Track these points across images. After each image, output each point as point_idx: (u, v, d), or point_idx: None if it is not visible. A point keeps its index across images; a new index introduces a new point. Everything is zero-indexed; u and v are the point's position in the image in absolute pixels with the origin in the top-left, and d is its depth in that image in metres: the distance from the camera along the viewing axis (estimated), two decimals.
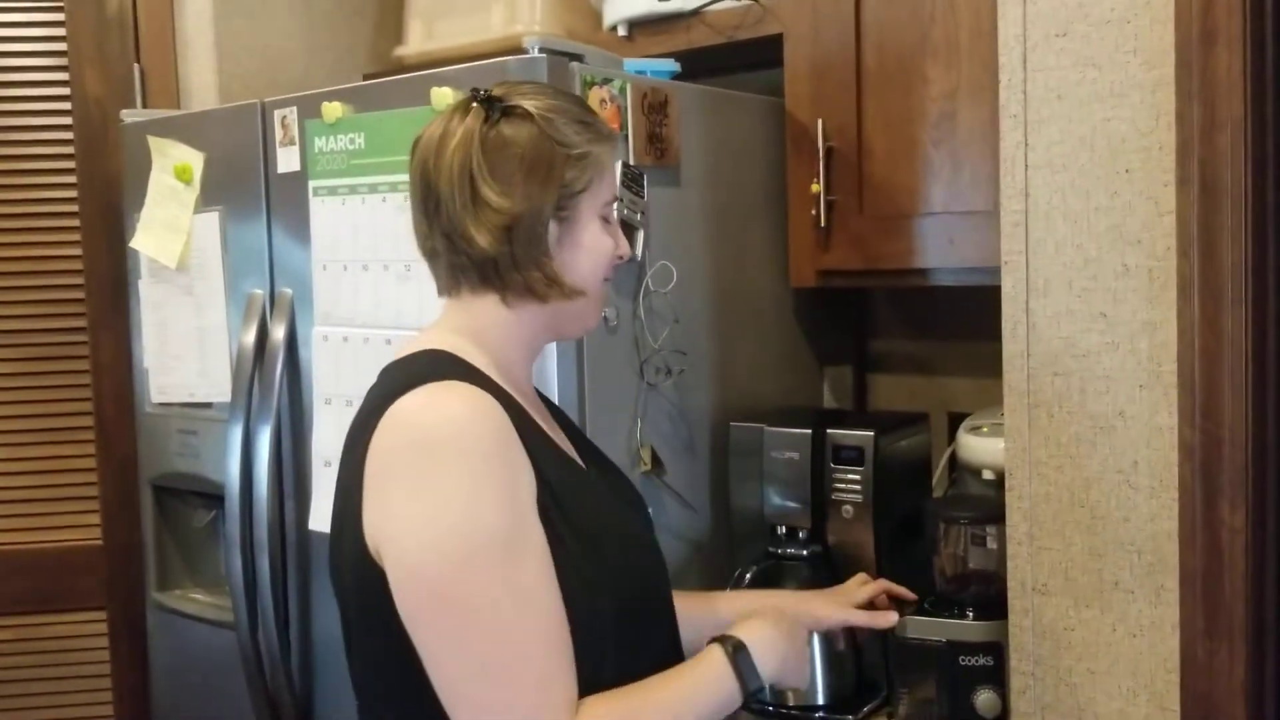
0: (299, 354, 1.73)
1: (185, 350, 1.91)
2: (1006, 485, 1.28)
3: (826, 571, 1.59)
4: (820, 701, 1.56)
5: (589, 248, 1.11)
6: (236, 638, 1.78)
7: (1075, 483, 1.23)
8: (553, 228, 1.08)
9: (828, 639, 1.57)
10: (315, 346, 1.68)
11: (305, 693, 1.78)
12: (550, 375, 1.48)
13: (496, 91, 1.10)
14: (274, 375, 1.73)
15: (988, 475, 1.61)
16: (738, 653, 1.08)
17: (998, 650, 1.38)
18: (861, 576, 1.46)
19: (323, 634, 1.75)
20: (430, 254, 1.12)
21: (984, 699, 1.38)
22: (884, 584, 1.47)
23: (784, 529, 1.62)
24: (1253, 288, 1.12)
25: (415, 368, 1.06)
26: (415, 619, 0.97)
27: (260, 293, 1.77)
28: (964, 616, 1.42)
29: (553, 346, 1.48)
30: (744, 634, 1.10)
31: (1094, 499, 1.22)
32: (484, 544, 0.94)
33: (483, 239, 1.05)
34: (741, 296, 1.77)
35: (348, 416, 1.62)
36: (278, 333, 1.73)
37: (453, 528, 0.94)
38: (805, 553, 1.59)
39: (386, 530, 0.98)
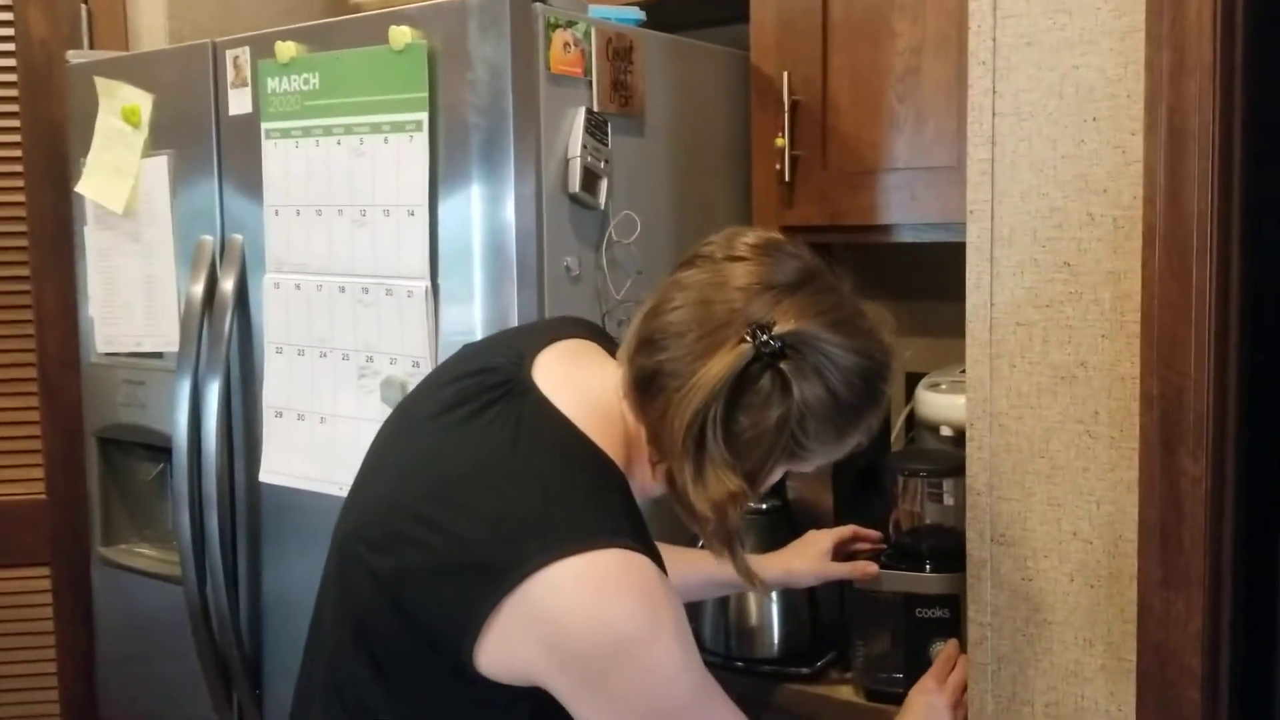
0: (250, 302, 1.69)
1: (132, 299, 1.86)
2: (967, 436, 1.27)
3: (786, 526, 1.58)
4: (775, 654, 1.55)
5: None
6: (184, 594, 1.75)
7: (1036, 433, 1.22)
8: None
9: (786, 593, 1.56)
10: (266, 294, 1.64)
11: (254, 649, 1.74)
12: (509, 324, 1.45)
13: (780, 323, 0.95)
14: (224, 324, 1.68)
15: (946, 432, 1.61)
16: None
17: (954, 602, 1.37)
18: (811, 535, 1.45)
19: (272, 590, 1.72)
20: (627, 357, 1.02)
21: (938, 649, 1.37)
22: (852, 529, 1.46)
23: None
24: (1217, 237, 1.12)
25: (568, 481, 0.96)
26: None
27: (210, 239, 1.73)
28: (921, 569, 1.41)
29: (512, 295, 1.45)
30: None
31: (1054, 449, 1.21)
32: (690, 700, 0.96)
33: (677, 433, 0.95)
34: None
35: (299, 366, 1.61)
36: (227, 280, 1.69)
37: (658, 703, 0.94)
38: (765, 507, 1.58)
39: (569, 700, 0.94)
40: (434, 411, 1.05)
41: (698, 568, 1.34)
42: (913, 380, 1.78)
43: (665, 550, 1.37)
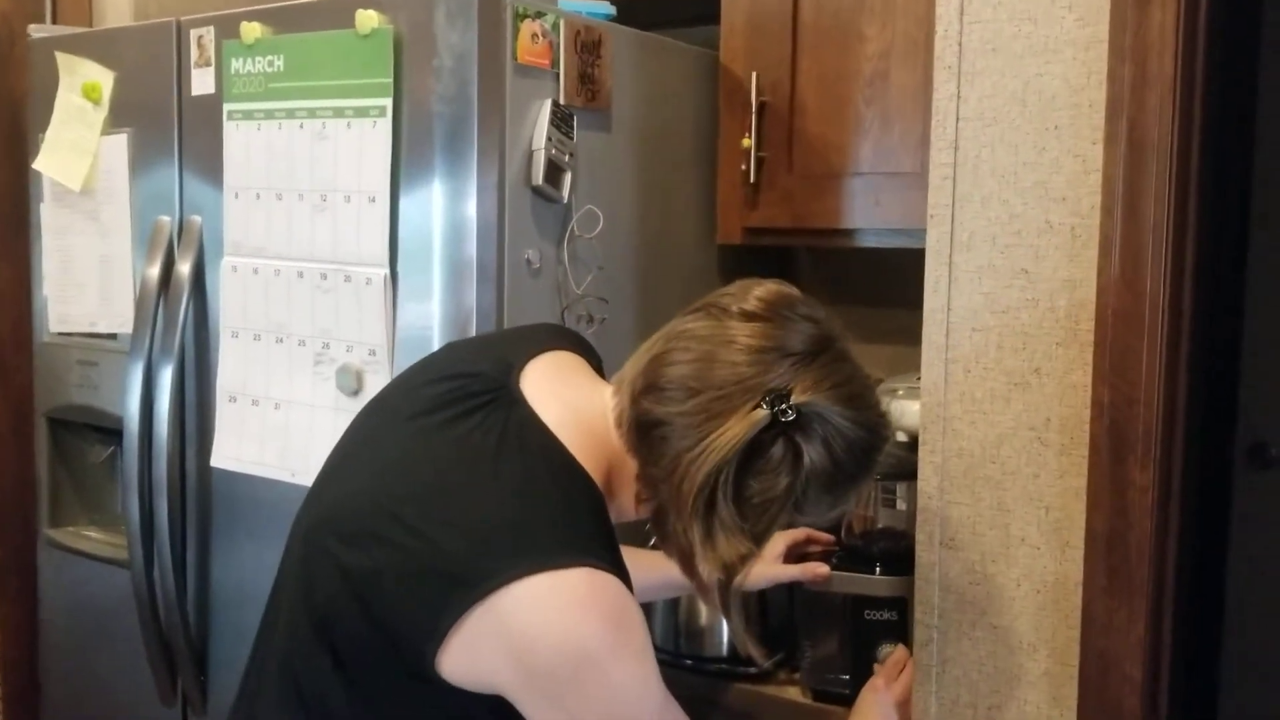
0: (206, 285, 1.66)
1: (88, 278, 1.83)
2: (920, 440, 1.28)
3: None
4: (724, 654, 1.55)
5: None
6: (131, 579, 1.72)
7: (988, 439, 1.23)
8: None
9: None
10: (224, 278, 1.62)
11: (200, 636, 1.72)
12: (469, 317, 1.44)
13: (797, 393, 0.95)
14: (179, 307, 1.66)
15: (901, 437, 1.61)
16: None
17: (902, 605, 1.38)
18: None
19: (220, 578, 1.70)
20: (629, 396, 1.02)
21: (886, 652, 1.38)
22: (805, 531, 1.47)
23: None
24: (1172, 248, 1.13)
25: (546, 497, 0.96)
26: None
27: (168, 220, 1.70)
28: (871, 572, 1.42)
29: (472, 285, 1.44)
30: None
31: (1005, 455, 1.22)
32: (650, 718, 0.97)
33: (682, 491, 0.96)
34: (667, 249, 1.75)
35: (255, 351, 1.59)
36: (184, 263, 1.67)
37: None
38: None
39: (532, 714, 0.94)
40: (416, 411, 1.04)
41: (653, 569, 1.34)
42: None
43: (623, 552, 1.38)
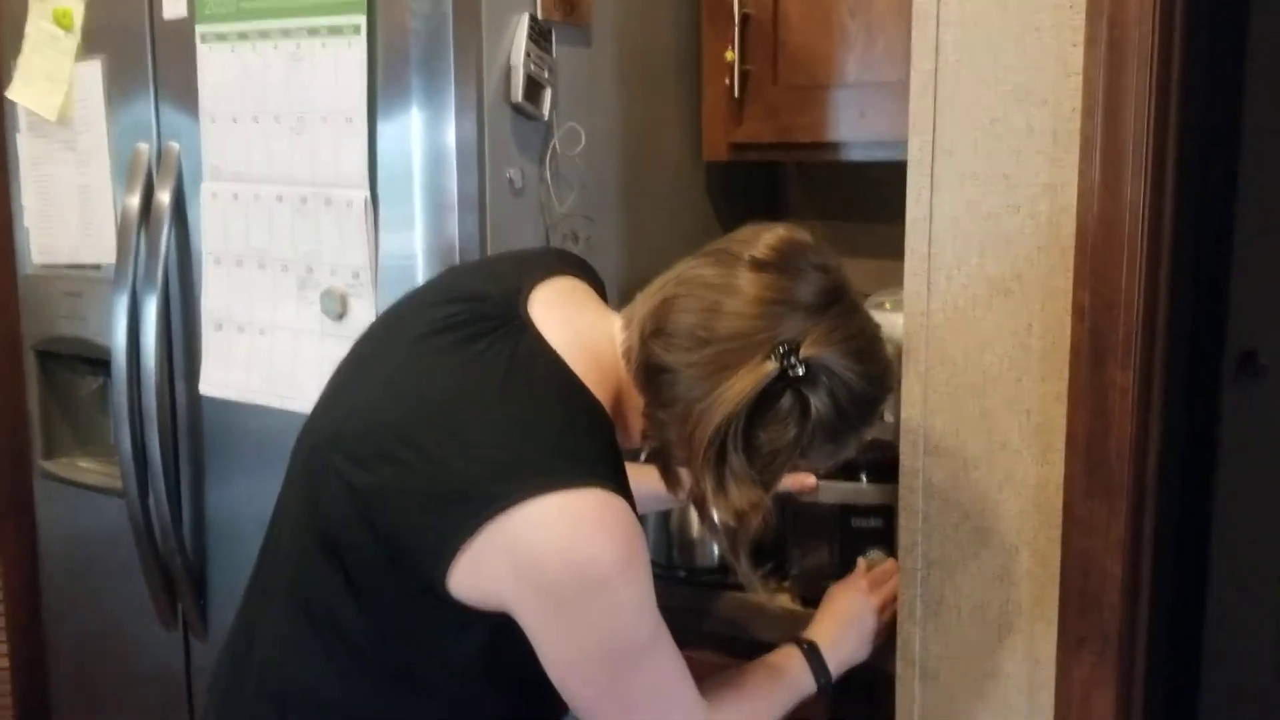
0: (187, 212, 1.66)
1: (68, 209, 1.82)
2: (904, 350, 1.28)
3: None
4: (715, 564, 1.57)
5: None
6: (126, 506, 1.74)
7: (971, 346, 1.24)
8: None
9: None
10: (204, 204, 1.61)
11: (198, 562, 1.75)
12: (452, 237, 1.44)
13: (806, 346, 0.96)
14: (160, 235, 1.65)
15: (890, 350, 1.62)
16: (812, 652, 1.23)
17: (888, 512, 1.40)
18: None
19: (215, 502, 1.71)
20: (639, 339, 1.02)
21: (875, 559, 1.40)
22: None
23: None
24: (1153, 151, 1.12)
25: (557, 420, 0.97)
26: (573, 689, 0.99)
27: (146, 147, 1.69)
28: (857, 480, 1.43)
29: (453, 207, 1.43)
30: (819, 637, 1.25)
31: (987, 362, 1.23)
32: (647, 639, 0.98)
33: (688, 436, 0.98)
34: (652, 167, 1.74)
35: (238, 277, 1.59)
36: (164, 190, 1.66)
37: (617, 644, 0.97)
38: None
39: (534, 632, 0.96)
40: (423, 331, 1.05)
41: (645, 482, 1.36)
42: None
43: None
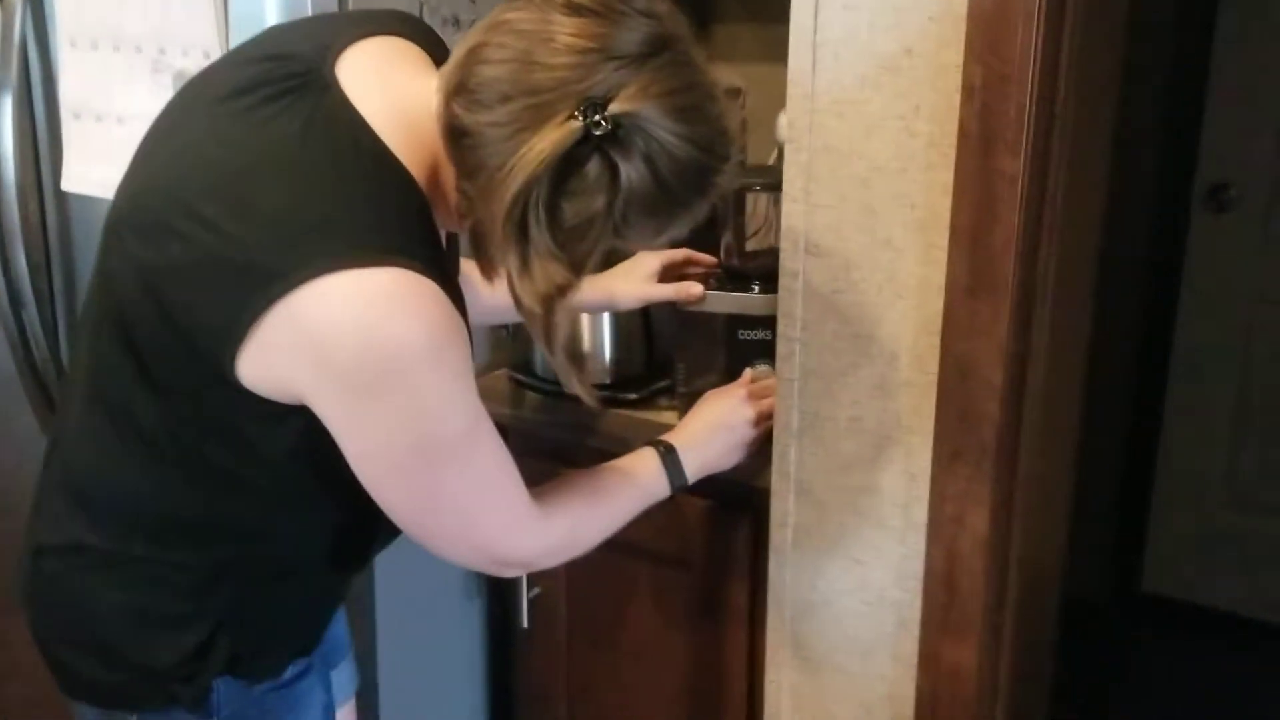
0: None
1: None
2: (786, 138, 1.17)
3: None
4: (607, 381, 1.49)
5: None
6: None
7: (856, 132, 1.12)
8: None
9: (619, 318, 1.49)
10: None
11: None
12: (304, 7, 1.30)
13: (618, 102, 0.83)
14: (15, 16, 1.52)
15: None
16: (668, 455, 1.15)
17: (776, 324, 1.30)
18: (640, 256, 1.37)
19: None
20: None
21: (760, 372, 1.31)
22: (685, 252, 1.38)
23: None
24: None
25: (356, 188, 0.86)
26: (384, 491, 0.91)
27: None
28: (748, 290, 1.33)
29: None
30: (679, 439, 1.17)
31: (873, 149, 1.11)
32: (457, 435, 0.90)
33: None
34: None
35: (93, 62, 1.46)
36: None
37: (425, 432, 0.87)
38: None
39: (332, 422, 0.87)
40: (222, 94, 0.92)
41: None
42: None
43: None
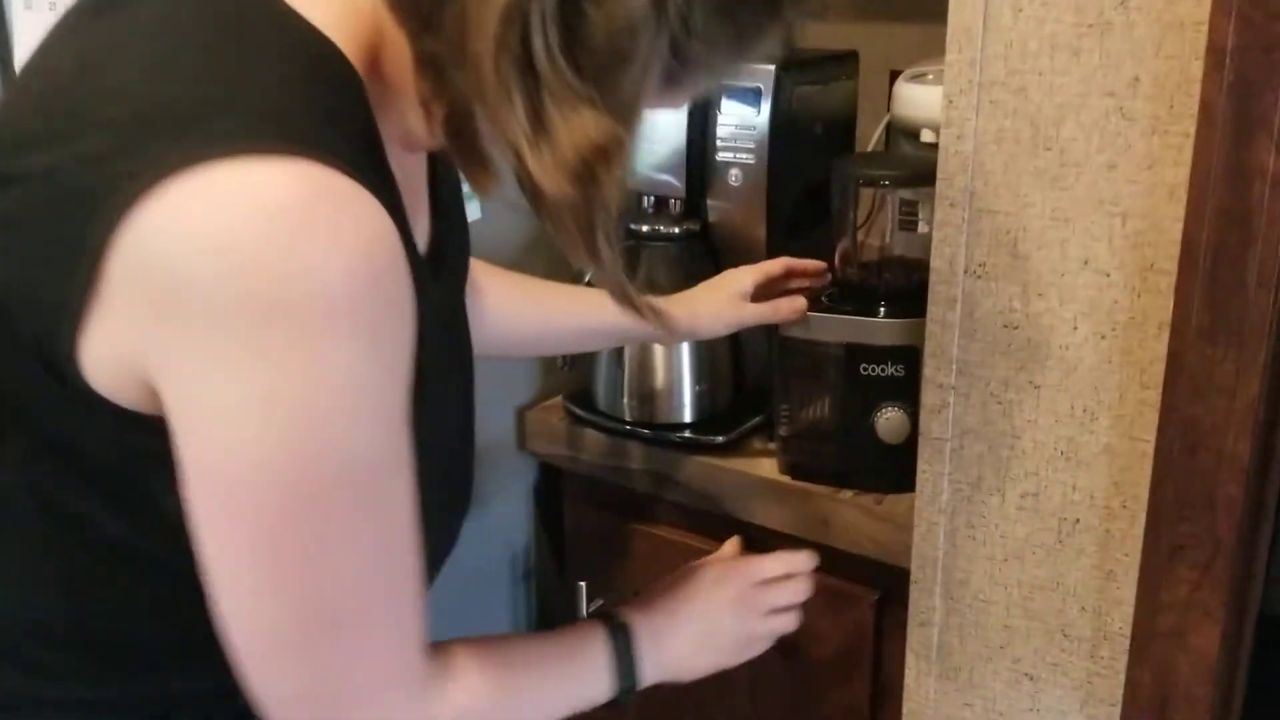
0: None
1: None
2: (943, 122, 0.88)
3: (705, 256, 1.21)
4: (686, 419, 1.21)
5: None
6: None
7: (1044, 112, 0.83)
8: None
9: (701, 344, 1.22)
10: None
11: None
12: None
13: None
14: None
15: (928, 137, 1.21)
16: (619, 639, 0.78)
17: (913, 356, 1.02)
18: (729, 274, 1.07)
19: None
20: None
21: (887, 420, 1.03)
22: (784, 262, 1.09)
23: (651, 200, 1.22)
24: None
25: (247, 64, 0.55)
26: (222, 540, 0.56)
27: None
28: (872, 313, 1.05)
29: None
30: (642, 614, 0.80)
31: (1067, 135, 0.82)
32: (351, 464, 0.55)
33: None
34: None
35: (51, 22, 1.20)
36: None
37: (309, 440, 0.54)
38: (677, 231, 1.20)
39: (183, 409, 0.54)
40: (90, 3, 0.62)
41: (586, 309, 1.00)
42: (894, 80, 1.37)
43: (537, 287, 1.02)
